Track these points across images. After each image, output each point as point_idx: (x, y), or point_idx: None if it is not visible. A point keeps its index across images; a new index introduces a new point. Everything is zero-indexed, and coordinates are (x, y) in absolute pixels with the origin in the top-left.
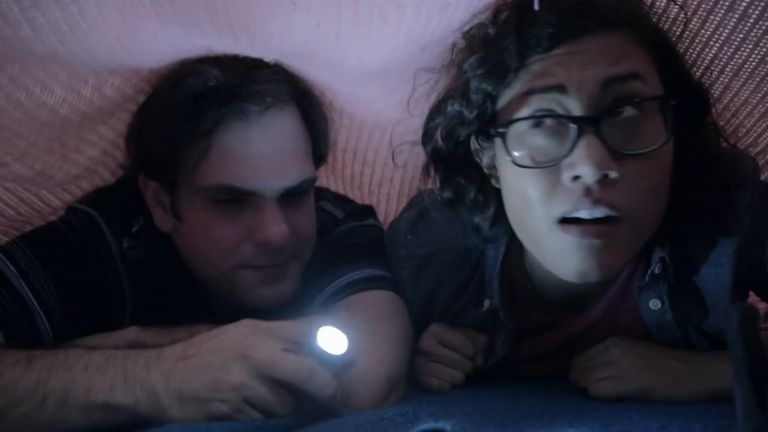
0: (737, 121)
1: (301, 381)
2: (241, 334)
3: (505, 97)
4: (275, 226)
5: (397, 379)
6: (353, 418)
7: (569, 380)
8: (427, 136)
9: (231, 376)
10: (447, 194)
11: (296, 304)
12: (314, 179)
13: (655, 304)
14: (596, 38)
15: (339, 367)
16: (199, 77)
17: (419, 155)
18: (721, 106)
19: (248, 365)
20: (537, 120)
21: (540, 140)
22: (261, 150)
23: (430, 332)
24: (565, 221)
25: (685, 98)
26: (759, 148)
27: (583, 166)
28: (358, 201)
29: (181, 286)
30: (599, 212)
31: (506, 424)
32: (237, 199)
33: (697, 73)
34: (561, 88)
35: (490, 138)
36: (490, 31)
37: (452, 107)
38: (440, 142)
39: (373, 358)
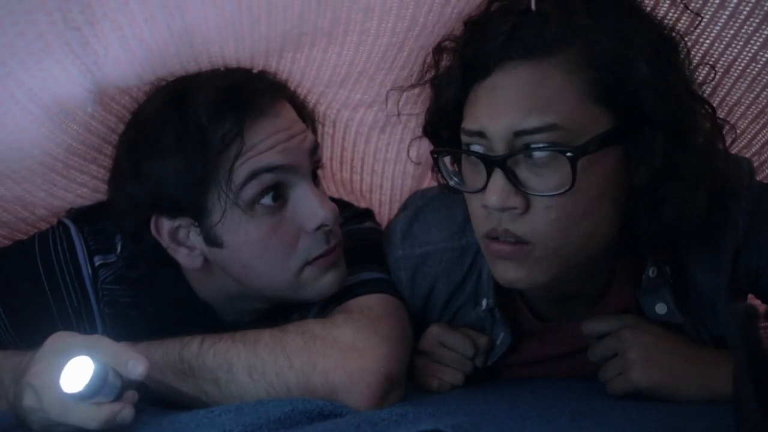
0: (731, 121)
1: (60, 418)
2: (43, 355)
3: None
4: (324, 204)
5: (397, 378)
6: (353, 418)
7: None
8: (429, 133)
9: (24, 400)
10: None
11: (296, 310)
12: (321, 152)
13: (661, 308)
14: (524, 69)
15: (89, 397)
16: (207, 88)
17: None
18: (714, 103)
19: (33, 391)
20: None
21: (466, 170)
22: (281, 133)
23: (430, 332)
24: (489, 237)
25: (648, 113)
26: (754, 150)
27: (487, 198)
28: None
29: (181, 307)
30: (509, 238)
31: (506, 424)
32: (277, 195)
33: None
34: (481, 134)
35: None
36: (444, 48)
37: (431, 110)
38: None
39: (372, 357)
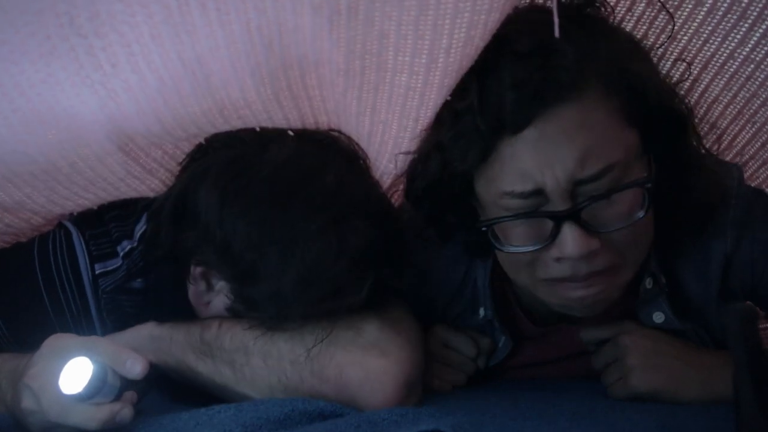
0: (710, 121)
1: (59, 419)
2: (41, 357)
3: (480, 178)
4: None
5: (414, 383)
6: (353, 418)
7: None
8: (412, 193)
9: (23, 402)
10: (434, 232)
11: None
12: None
13: (658, 317)
14: (564, 112)
15: (89, 398)
16: (356, 239)
17: None
18: (692, 100)
19: (31, 393)
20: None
21: (521, 230)
22: None
23: (433, 333)
24: (558, 280)
25: (661, 118)
26: (735, 150)
27: (566, 251)
28: None
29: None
30: (593, 274)
31: (506, 424)
32: None
33: (666, 66)
34: (538, 192)
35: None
36: (453, 103)
37: (428, 176)
38: (424, 198)
39: (394, 358)
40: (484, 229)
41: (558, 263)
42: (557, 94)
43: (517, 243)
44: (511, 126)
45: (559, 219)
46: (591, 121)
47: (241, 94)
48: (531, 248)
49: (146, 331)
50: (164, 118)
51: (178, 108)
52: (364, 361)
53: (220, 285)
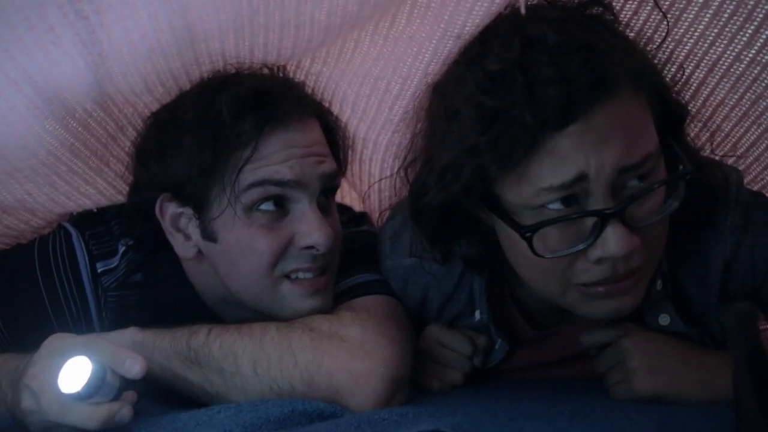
0: (715, 125)
1: (58, 419)
2: (40, 357)
3: (510, 181)
4: (322, 228)
5: (402, 380)
6: (353, 418)
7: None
8: (424, 209)
9: (23, 402)
10: (438, 252)
11: None
12: (339, 179)
13: (664, 319)
14: (608, 108)
15: (88, 397)
16: (238, 86)
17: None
18: (698, 104)
19: (30, 393)
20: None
21: (560, 233)
22: (297, 149)
23: (428, 333)
24: (590, 283)
25: (670, 114)
26: (739, 153)
27: (612, 251)
28: None
29: (185, 311)
30: (626, 275)
31: (506, 424)
32: (278, 204)
33: (672, 69)
34: (582, 177)
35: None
36: (487, 102)
37: (455, 186)
38: (430, 207)
39: (379, 359)
40: (528, 234)
41: (597, 265)
42: (603, 91)
43: (556, 247)
44: (556, 122)
45: (605, 217)
46: (630, 115)
47: (220, 46)
48: (572, 250)
49: (128, 336)
50: (149, 77)
51: (163, 66)
52: (351, 366)
53: (184, 216)
